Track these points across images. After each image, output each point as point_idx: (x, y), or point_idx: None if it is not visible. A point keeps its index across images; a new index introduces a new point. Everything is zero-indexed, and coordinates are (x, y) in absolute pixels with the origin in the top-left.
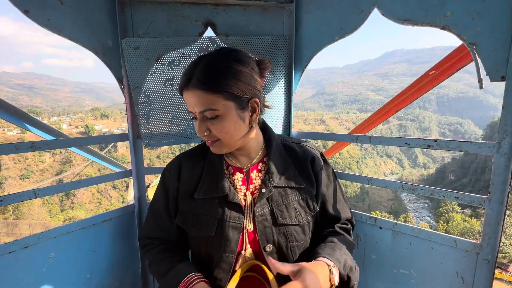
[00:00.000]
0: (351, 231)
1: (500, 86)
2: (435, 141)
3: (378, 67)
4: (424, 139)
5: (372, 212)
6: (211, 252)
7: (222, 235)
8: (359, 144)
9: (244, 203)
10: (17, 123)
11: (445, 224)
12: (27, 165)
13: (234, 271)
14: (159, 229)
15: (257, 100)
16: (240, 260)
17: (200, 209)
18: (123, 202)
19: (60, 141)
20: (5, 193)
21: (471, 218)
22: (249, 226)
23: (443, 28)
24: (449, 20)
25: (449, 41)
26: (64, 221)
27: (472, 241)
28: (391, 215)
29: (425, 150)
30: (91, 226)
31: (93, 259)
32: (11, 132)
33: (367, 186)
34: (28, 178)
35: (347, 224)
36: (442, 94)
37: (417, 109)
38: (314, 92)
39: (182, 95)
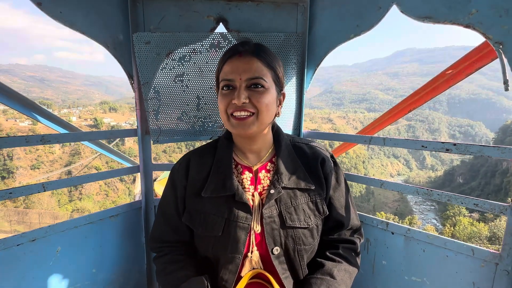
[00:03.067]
0: (358, 249)
1: None
2: (454, 144)
3: (388, 66)
4: (443, 143)
5: (377, 213)
6: (218, 253)
7: (229, 235)
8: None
9: (252, 204)
10: (29, 114)
11: (452, 228)
12: (38, 155)
13: (240, 277)
14: (169, 229)
15: (285, 94)
16: (247, 264)
17: (208, 208)
18: (129, 194)
19: (69, 135)
20: (16, 182)
21: (479, 223)
22: (257, 228)
23: (467, 26)
24: (474, 18)
25: (462, 41)
26: (72, 212)
27: (491, 250)
28: (396, 217)
29: (433, 151)
30: (98, 221)
31: (99, 254)
32: (23, 123)
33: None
34: (38, 168)
35: (354, 243)
36: (453, 95)
37: (427, 110)
38: (322, 90)
39: (225, 63)
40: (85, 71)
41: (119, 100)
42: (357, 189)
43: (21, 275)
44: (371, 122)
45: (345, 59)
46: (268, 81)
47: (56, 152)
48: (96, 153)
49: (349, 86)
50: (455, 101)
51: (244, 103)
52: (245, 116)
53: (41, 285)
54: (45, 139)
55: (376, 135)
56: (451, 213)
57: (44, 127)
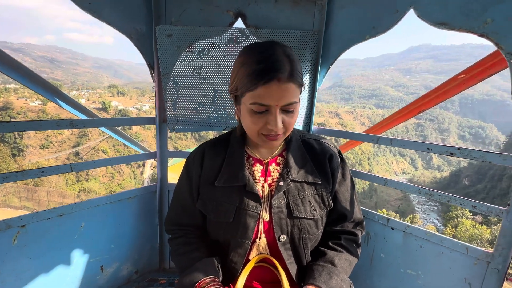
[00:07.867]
0: (359, 241)
1: None
2: (458, 149)
3: (401, 62)
4: (448, 146)
5: (379, 210)
6: (228, 237)
7: (240, 222)
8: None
9: (261, 194)
10: (45, 94)
11: (453, 229)
12: (47, 135)
13: (248, 260)
14: (184, 214)
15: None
16: (254, 249)
17: (220, 196)
18: (134, 178)
19: (94, 120)
20: (26, 160)
21: (481, 225)
22: (265, 216)
23: (480, 35)
24: (488, 27)
25: (481, 39)
26: (79, 192)
27: (484, 249)
28: (398, 215)
29: (438, 154)
30: (117, 202)
31: (117, 232)
32: (33, 103)
33: (376, 183)
34: (47, 148)
35: (356, 235)
36: (466, 95)
37: (438, 109)
38: (331, 84)
39: (259, 85)
40: (95, 53)
41: (127, 84)
42: (360, 185)
43: (50, 246)
44: (380, 121)
45: (357, 53)
46: (298, 98)
47: (64, 133)
48: (103, 136)
49: (359, 80)
50: (468, 101)
51: (280, 127)
52: (276, 136)
53: (66, 256)
54: (73, 124)
55: (384, 133)
56: (453, 215)
57: (53, 107)
